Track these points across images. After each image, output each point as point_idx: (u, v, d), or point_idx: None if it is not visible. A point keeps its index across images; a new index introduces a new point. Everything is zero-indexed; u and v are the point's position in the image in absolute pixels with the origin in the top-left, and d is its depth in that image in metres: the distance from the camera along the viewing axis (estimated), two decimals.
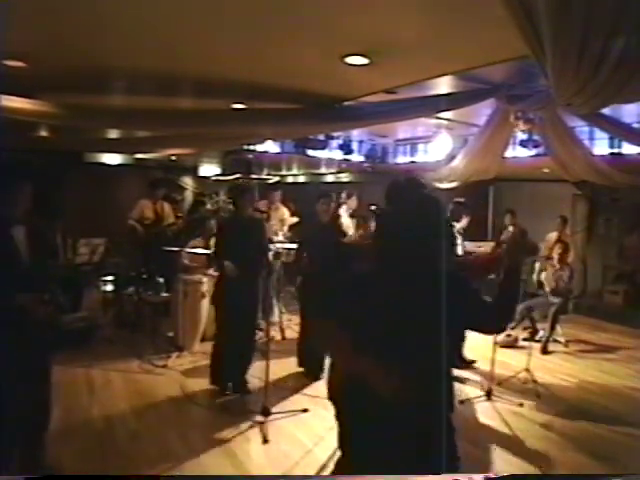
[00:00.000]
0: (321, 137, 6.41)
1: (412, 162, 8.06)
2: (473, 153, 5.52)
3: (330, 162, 9.13)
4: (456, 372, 4.18)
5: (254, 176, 9.97)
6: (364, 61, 3.50)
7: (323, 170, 11.11)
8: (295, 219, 6.91)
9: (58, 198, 8.57)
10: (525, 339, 6.01)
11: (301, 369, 4.74)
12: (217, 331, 4.31)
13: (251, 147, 7.42)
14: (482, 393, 4.39)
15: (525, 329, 6.30)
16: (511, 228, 7.15)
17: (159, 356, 4.96)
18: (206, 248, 5.80)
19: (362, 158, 8.52)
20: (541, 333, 6.03)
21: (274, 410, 3.78)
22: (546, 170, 7.09)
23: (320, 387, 4.48)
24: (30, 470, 2.75)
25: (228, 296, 4.10)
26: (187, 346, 5.23)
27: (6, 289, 2.43)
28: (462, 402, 4.16)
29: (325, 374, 4.57)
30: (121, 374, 4.63)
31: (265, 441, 3.45)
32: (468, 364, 5.04)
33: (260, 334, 5.13)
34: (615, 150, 5.76)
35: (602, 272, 8.79)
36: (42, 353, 2.90)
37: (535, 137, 5.22)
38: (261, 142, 7.11)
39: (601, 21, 1.95)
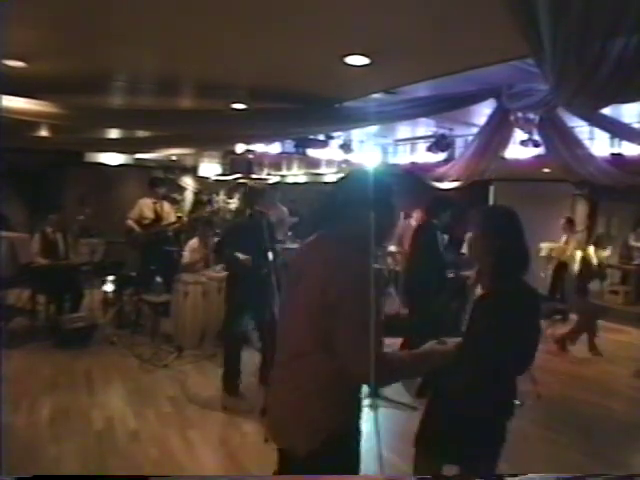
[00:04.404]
0: (321, 137, 6.41)
1: (412, 162, 8.05)
2: (473, 153, 5.51)
3: (330, 162, 9.12)
4: None
5: (254, 176, 9.98)
6: (364, 61, 3.50)
7: (323, 170, 11.11)
8: (295, 219, 6.92)
9: (58, 198, 8.61)
10: None
11: None
12: (229, 332, 4.27)
13: (251, 147, 7.42)
14: None
15: None
16: None
17: (159, 356, 4.96)
18: (205, 248, 5.80)
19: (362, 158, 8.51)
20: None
21: None
22: (546, 170, 7.08)
23: None
24: None
25: (241, 294, 4.09)
26: (187, 346, 5.23)
27: None
28: None
29: None
30: (121, 374, 4.63)
31: (265, 441, 3.45)
32: None
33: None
34: (615, 150, 5.75)
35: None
36: None
37: (535, 137, 5.21)
38: (261, 142, 7.10)
39: (601, 21, 1.95)
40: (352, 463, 1.68)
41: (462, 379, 1.90)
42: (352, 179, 1.75)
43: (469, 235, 2.02)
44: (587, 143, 5.43)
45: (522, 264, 1.96)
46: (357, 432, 1.70)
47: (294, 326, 1.70)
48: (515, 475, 1.80)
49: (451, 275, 4.59)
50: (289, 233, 6.59)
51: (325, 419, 1.60)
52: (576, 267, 5.95)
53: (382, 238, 1.78)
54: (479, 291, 2.04)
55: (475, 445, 1.95)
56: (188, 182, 11.17)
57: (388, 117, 4.80)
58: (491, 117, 4.77)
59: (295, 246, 7.13)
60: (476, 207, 2.11)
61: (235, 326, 4.17)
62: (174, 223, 6.33)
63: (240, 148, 7.54)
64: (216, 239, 5.70)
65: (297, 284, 1.69)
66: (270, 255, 3.93)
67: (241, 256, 4.04)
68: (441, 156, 6.66)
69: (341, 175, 1.79)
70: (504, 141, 5.13)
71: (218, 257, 4.53)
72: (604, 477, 2.34)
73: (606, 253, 6.13)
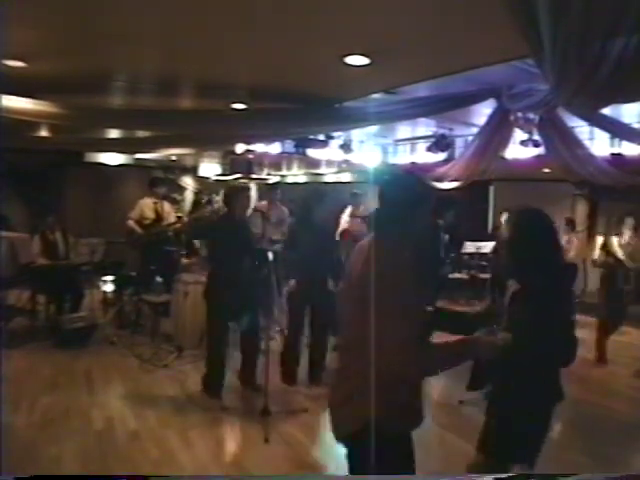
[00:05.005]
0: (321, 137, 6.41)
1: (412, 162, 8.06)
2: (473, 153, 5.52)
3: (330, 162, 9.13)
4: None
5: (254, 176, 9.99)
6: (364, 61, 3.50)
7: (323, 170, 11.11)
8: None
9: (58, 198, 8.62)
10: None
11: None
12: (209, 334, 4.23)
13: (251, 147, 7.42)
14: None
15: None
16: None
17: (159, 356, 4.96)
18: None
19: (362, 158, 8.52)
20: None
21: (274, 410, 3.78)
22: (546, 170, 7.09)
23: (319, 388, 4.48)
24: None
25: (219, 297, 4.08)
26: (187, 346, 5.23)
27: None
28: (461, 402, 4.16)
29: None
30: (121, 374, 4.63)
31: (265, 441, 3.45)
32: None
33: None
34: (615, 150, 5.75)
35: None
36: None
37: (535, 137, 5.22)
38: (261, 142, 7.11)
39: (601, 21, 1.95)
40: (409, 456, 1.78)
41: (510, 372, 2.02)
42: (397, 184, 1.88)
43: (504, 234, 2.18)
44: (587, 143, 5.44)
45: (554, 260, 2.10)
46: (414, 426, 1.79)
47: (347, 321, 1.83)
48: (567, 475, 1.86)
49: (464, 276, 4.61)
50: None
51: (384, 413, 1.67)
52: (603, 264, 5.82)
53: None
54: (514, 286, 2.17)
55: (537, 437, 2.11)
56: (188, 182, 11.16)
57: (388, 117, 4.80)
58: (491, 117, 4.77)
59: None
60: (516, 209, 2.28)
61: (220, 327, 4.14)
62: (174, 223, 6.33)
63: (240, 148, 7.54)
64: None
65: (348, 281, 1.85)
66: (270, 255, 3.93)
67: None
68: (441, 156, 6.66)
69: (385, 179, 1.92)
70: (504, 141, 5.13)
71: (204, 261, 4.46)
72: (597, 477, 2.37)
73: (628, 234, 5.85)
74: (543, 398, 2.06)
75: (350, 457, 1.77)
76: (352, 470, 1.78)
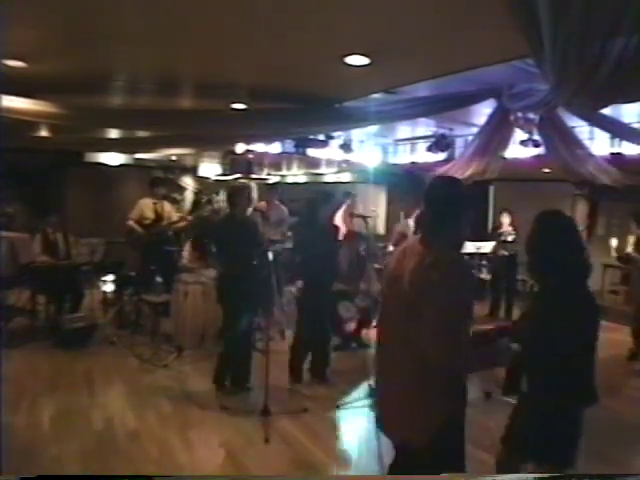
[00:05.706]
0: (321, 137, 6.41)
1: (412, 162, 8.05)
2: (473, 153, 5.51)
3: (330, 162, 9.13)
4: None
5: (254, 176, 9.99)
6: (364, 61, 3.50)
7: (323, 170, 11.11)
8: (295, 219, 6.90)
9: (58, 198, 8.62)
10: None
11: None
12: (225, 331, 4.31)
13: (251, 147, 7.42)
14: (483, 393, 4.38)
15: None
16: (509, 228, 7.24)
17: (159, 356, 4.96)
18: (204, 248, 5.79)
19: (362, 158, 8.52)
20: None
21: (274, 410, 3.78)
22: (546, 170, 7.09)
23: (319, 388, 4.49)
24: None
25: (231, 295, 4.14)
26: (187, 346, 5.23)
27: None
28: None
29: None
30: (121, 374, 4.63)
31: (265, 441, 3.45)
32: None
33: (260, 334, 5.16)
34: (615, 150, 5.75)
35: (602, 272, 8.79)
36: None
37: (535, 137, 5.22)
38: (261, 142, 7.11)
39: (601, 21, 1.95)
40: (460, 454, 1.95)
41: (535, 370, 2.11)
42: (444, 187, 1.99)
43: (528, 237, 2.18)
44: (587, 143, 5.44)
45: (574, 264, 2.11)
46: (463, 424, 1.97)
47: (396, 321, 1.90)
48: (626, 475, 1.88)
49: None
50: (289, 233, 6.58)
51: (432, 410, 1.82)
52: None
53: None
54: (535, 288, 2.25)
55: (555, 438, 2.15)
56: (188, 182, 11.17)
57: (388, 117, 4.80)
58: (491, 117, 4.76)
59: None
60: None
61: (236, 326, 4.15)
62: (177, 221, 6.33)
63: (240, 148, 7.55)
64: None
65: (395, 281, 1.92)
66: (270, 255, 3.93)
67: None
68: (441, 156, 6.66)
69: (432, 182, 2.04)
70: (504, 141, 5.13)
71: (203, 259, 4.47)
72: (597, 477, 2.38)
73: None
74: (574, 399, 2.07)
75: (405, 447, 1.91)
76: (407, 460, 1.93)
